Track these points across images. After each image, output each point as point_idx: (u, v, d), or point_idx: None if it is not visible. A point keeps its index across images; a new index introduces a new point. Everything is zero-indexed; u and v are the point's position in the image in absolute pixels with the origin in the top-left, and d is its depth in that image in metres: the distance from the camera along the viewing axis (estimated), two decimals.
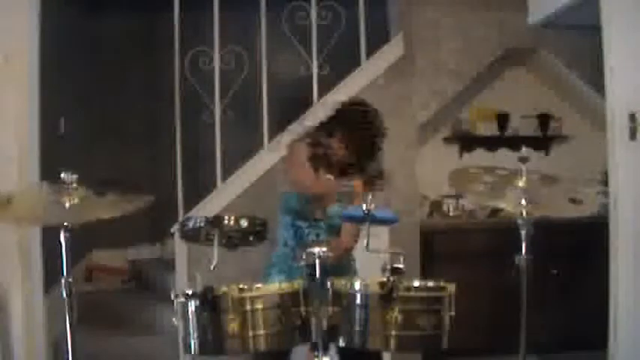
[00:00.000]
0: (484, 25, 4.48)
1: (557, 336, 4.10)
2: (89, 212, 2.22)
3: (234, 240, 2.41)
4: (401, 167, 4.30)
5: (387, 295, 2.10)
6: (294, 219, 2.84)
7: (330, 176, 2.66)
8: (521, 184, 2.58)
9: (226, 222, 2.31)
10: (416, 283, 2.23)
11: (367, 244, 2.29)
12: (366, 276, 2.31)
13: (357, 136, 2.71)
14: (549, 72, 4.96)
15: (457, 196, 4.78)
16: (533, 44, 4.67)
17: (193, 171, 4.36)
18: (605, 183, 3.32)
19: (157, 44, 5.26)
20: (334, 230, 2.81)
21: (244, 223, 2.33)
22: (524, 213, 2.57)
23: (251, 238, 2.43)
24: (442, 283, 2.21)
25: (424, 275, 3.85)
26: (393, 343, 2.12)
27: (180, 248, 4.02)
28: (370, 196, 2.31)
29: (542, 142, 5.07)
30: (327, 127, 2.75)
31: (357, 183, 2.72)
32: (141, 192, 2.32)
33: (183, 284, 3.94)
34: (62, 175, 2.25)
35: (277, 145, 3.94)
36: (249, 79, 4.27)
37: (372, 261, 2.52)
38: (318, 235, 2.81)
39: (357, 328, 2.15)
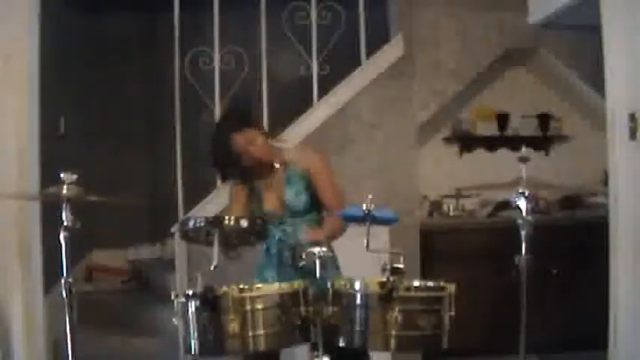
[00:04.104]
0: (484, 25, 4.48)
1: (557, 336, 4.10)
2: None
3: (233, 240, 2.41)
4: (401, 167, 4.30)
5: (387, 295, 2.11)
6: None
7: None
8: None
9: (226, 222, 2.31)
10: (416, 283, 2.24)
11: (367, 244, 2.30)
12: (366, 276, 2.32)
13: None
14: (549, 72, 4.96)
15: (457, 196, 4.77)
16: (533, 44, 4.67)
17: (193, 171, 4.36)
18: (606, 183, 3.32)
19: (157, 44, 5.26)
20: (300, 215, 2.85)
21: (244, 223, 2.33)
22: (524, 213, 2.58)
23: (251, 238, 2.44)
24: (442, 283, 2.21)
25: (424, 275, 3.85)
26: (393, 343, 2.13)
27: (180, 248, 4.02)
28: (370, 197, 2.32)
29: (542, 142, 5.07)
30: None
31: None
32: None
33: (183, 284, 3.94)
34: (62, 175, 2.26)
35: None
36: (249, 79, 4.27)
37: (372, 261, 2.52)
38: (284, 232, 2.83)
39: (358, 328, 2.16)
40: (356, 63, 4.35)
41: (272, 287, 2.24)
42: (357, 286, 2.19)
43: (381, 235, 3.32)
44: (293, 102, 4.50)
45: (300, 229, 2.82)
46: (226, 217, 2.32)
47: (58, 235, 2.25)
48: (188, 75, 4.22)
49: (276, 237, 2.83)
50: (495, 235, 4.26)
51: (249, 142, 2.80)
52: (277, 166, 2.84)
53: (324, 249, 2.31)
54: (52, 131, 4.34)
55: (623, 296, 2.98)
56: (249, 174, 2.85)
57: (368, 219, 2.28)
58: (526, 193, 2.59)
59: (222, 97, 4.24)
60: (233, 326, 2.11)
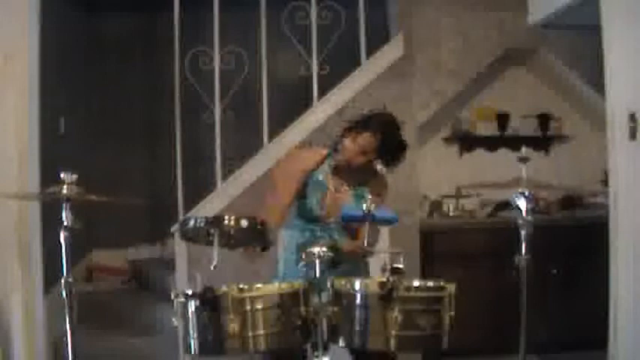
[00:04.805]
0: (484, 25, 4.48)
1: (557, 336, 4.10)
2: None
3: (233, 240, 2.40)
4: (401, 167, 4.29)
5: (387, 295, 2.10)
6: (307, 221, 2.81)
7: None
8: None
9: (226, 222, 2.30)
10: (416, 283, 2.23)
11: (367, 244, 2.30)
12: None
13: (387, 137, 2.80)
14: (549, 72, 4.96)
15: (457, 196, 4.77)
16: (533, 44, 4.67)
17: (193, 171, 4.36)
18: (606, 183, 3.32)
19: (157, 44, 5.27)
20: (349, 230, 2.78)
21: (244, 223, 2.33)
22: (524, 213, 2.58)
23: (251, 238, 2.43)
24: (442, 283, 2.21)
25: (424, 275, 3.85)
26: (393, 343, 2.13)
27: (180, 248, 4.02)
28: (370, 196, 2.32)
29: (542, 142, 5.07)
30: (364, 122, 2.83)
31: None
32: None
33: (183, 284, 3.94)
34: (62, 175, 2.26)
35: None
36: (249, 79, 4.27)
37: (372, 261, 2.52)
38: (330, 237, 2.78)
39: (357, 328, 2.16)
40: (356, 63, 4.35)
41: (272, 287, 2.24)
42: (357, 286, 2.19)
43: (381, 235, 3.32)
44: (293, 102, 4.50)
45: (343, 238, 2.78)
46: (226, 217, 2.32)
47: (58, 235, 2.25)
48: (188, 75, 4.22)
49: (323, 240, 2.73)
50: (495, 235, 4.26)
51: (361, 150, 2.77)
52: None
53: (324, 249, 2.30)
54: (52, 131, 4.34)
55: (623, 296, 2.98)
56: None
57: (368, 219, 2.28)
58: (526, 193, 2.59)
59: (222, 97, 4.25)
60: (233, 326, 2.11)
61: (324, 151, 2.91)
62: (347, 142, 2.79)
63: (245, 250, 2.56)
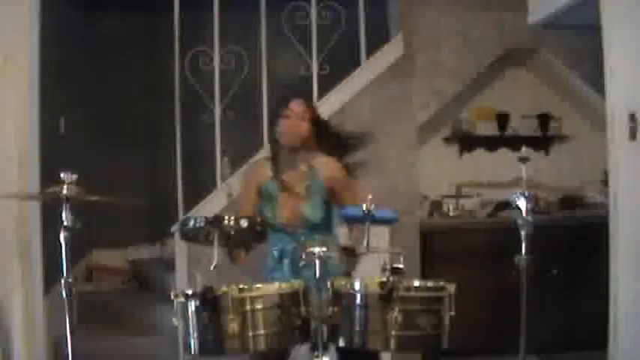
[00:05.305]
0: (484, 25, 4.48)
1: (557, 336, 4.10)
2: None
3: (233, 240, 2.41)
4: (401, 167, 4.30)
5: (387, 295, 2.11)
6: (274, 232, 2.74)
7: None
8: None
9: (226, 222, 2.30)
10: (416, 283, 2.24)
11: (367, 244, 2.30)
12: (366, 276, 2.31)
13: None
14: (549, 72, 4.96)
15: (457, 196, 4.77)
16: (533, 44, 4.67)
17: (193, 171, 4.36)
18: (606, 183, 3.32)
19: (157, 44, 5.26)
20: (316, 228, 2.79)
21: (244, 223, 2.33)
22: (524, 213, 2.58)
23: (251, 239, 2.44)
24: (442, 283, 2.21)
25: (424, 275, 3.85)
26: (393, 343, 2.13)
27: (180, 248, 4.02)
28: (370, 197, 2.32)
29: (542, 142, 5.07)
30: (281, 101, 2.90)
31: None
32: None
33: (183, 284, 3.94)
34: (62, 175, 2.26)
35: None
36: (249, 79, 4.27)
37: (372, 261, 2.52)
38: (299, 242, 2.76)
39: (357, 328, 2.16)
40: (356, 63, 4.35)
41: (272, 287, 2.24)
42: (357, 286, 2.19)
43: (381, 235, 3.32)
44: None
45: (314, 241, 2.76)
46: (226, 217, 2.32)
47: (58, 235, 2.25)
48: (188, 75, 4.22)
49: (291, 246, 2.77)
50: (495, 235, 4.26)
51: (300, 115, 2.79)
52: (303, 168, 2.80)
53: (324, 249, 2.30)
54: (52, 131, 4.34)
55: (623, 296, 2.98)
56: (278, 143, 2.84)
57: (368, 219, 2.28)
58: (526, 193, 2.59)
59: (222, 97, 4.25)
60: (233, 326, 2.11)
61: (266, 159, 2.92)
62: (281, 123, 2.80)
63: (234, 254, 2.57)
